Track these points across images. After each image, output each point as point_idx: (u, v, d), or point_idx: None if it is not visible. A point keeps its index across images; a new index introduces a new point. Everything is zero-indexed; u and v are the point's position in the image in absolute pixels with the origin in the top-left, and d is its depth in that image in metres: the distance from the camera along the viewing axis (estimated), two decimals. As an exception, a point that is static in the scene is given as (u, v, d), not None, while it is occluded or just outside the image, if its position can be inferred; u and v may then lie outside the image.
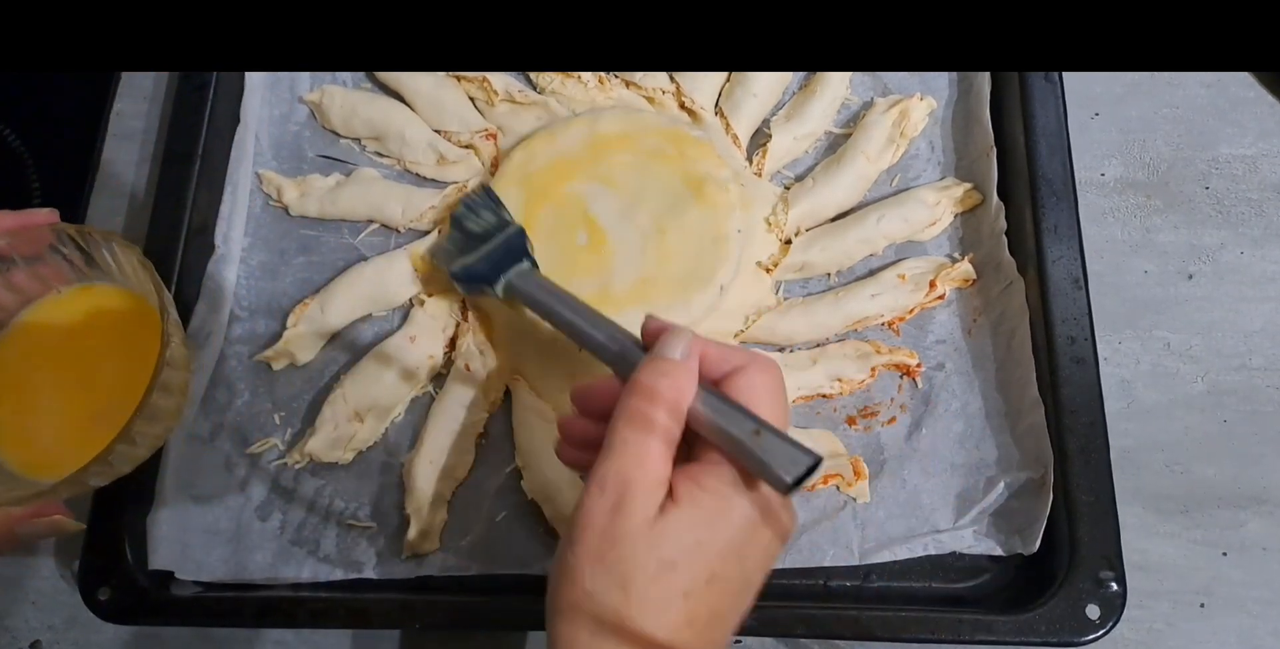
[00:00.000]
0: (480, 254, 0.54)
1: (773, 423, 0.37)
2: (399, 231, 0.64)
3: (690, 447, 0.39)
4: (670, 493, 0.36)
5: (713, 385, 0.39)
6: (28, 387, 0.40)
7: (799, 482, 0.35)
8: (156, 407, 0.37)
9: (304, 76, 0.68)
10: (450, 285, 0.57)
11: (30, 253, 0.40)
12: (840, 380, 0.57)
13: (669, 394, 0.37)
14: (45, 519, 0.40)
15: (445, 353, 0.60)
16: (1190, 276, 0.62)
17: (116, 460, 0.36)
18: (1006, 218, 0.58)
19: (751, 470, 0.36)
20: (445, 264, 0.56)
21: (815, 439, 0.56)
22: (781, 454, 0.36)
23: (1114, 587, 0.49)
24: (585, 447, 0.41)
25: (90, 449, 0.38)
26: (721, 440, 0.37)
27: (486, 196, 0.57)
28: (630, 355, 0.41)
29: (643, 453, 0.36)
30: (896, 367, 0.58)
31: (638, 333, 0.43)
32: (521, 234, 0.54)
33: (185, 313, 0.59)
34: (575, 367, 0.58)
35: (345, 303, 0.60)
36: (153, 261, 0.42)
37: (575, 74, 0.65)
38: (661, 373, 0.37)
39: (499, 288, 0.51)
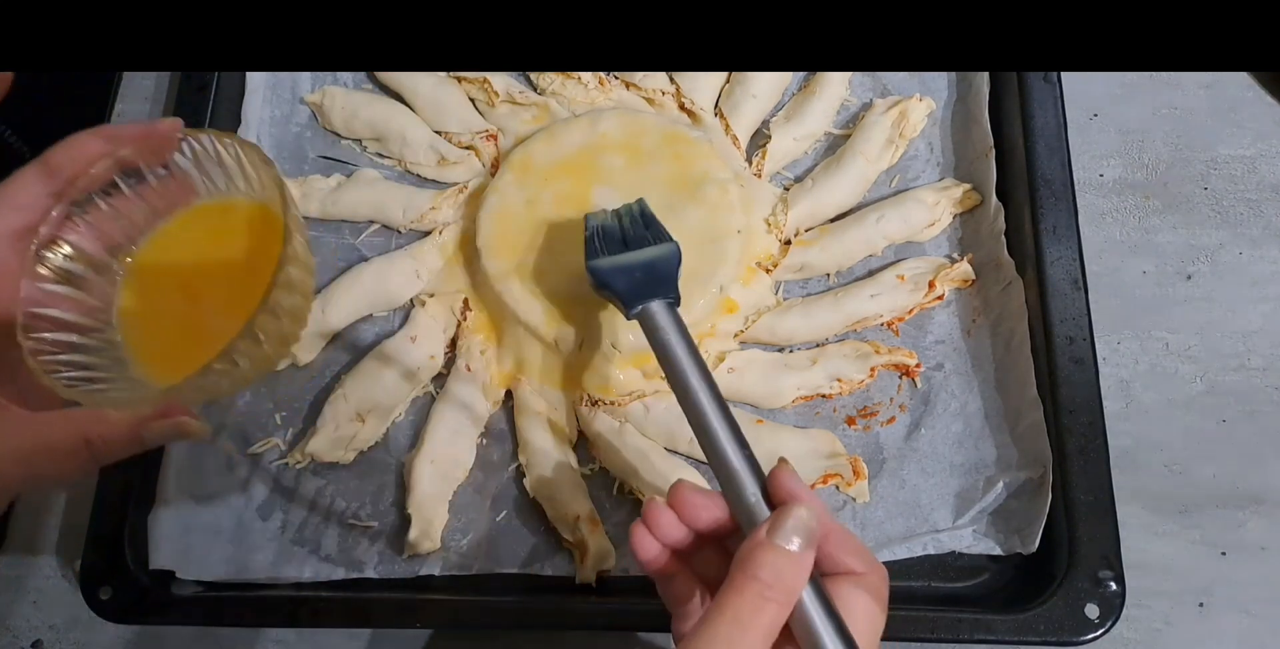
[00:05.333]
0: (629, 262, 0.49)
1: (866, 637, 0.35)
2: (400, 232, 0.64)
3: None
4: None
5: (821, 575, 0.37)
6: (162, 300, 0.40)
7: None
8: (279, 303, 0.36)
9: (305, 77, 0.68)
10: (450, 287, 0.57)
11: (156, 162, 0.40)
12: (840, 380, 0.57)
13: (784, 597, 0.35)
14: (170, 421, 0.39)
15: (446, 353, 0.60)
16: (1189, 277, 0.62)
17: (241, 358, 0.36)
18: (1005, 218, 0.58)
19: None
20: (589, 254, 0.50)
21: (815, 439, 0.56)
22: None
23: (1113, 586, 0.49)
24: (661, 536, 0.39)
25: (213, 351, 0.37)
26: (807, 646, 0.35)
27: (645, 208, 0.53)
28: (745, 492, 0.38)
29: (745, 643, 0.34)
30: (896, 367, 0.58)
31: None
32: (677, 257, 0.49)
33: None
34: (576, 367, 0.58)
35: (346, 303, 0.60)
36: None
37: (575, 75, 0.65)
38: (781, 570, 0.35)
39: (634, 311, 0.45)
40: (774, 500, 0.38)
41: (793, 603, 0.35)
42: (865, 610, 0.36)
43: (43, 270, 0.37)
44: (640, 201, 0.55)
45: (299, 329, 0.41)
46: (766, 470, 0.39)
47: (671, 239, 0.51)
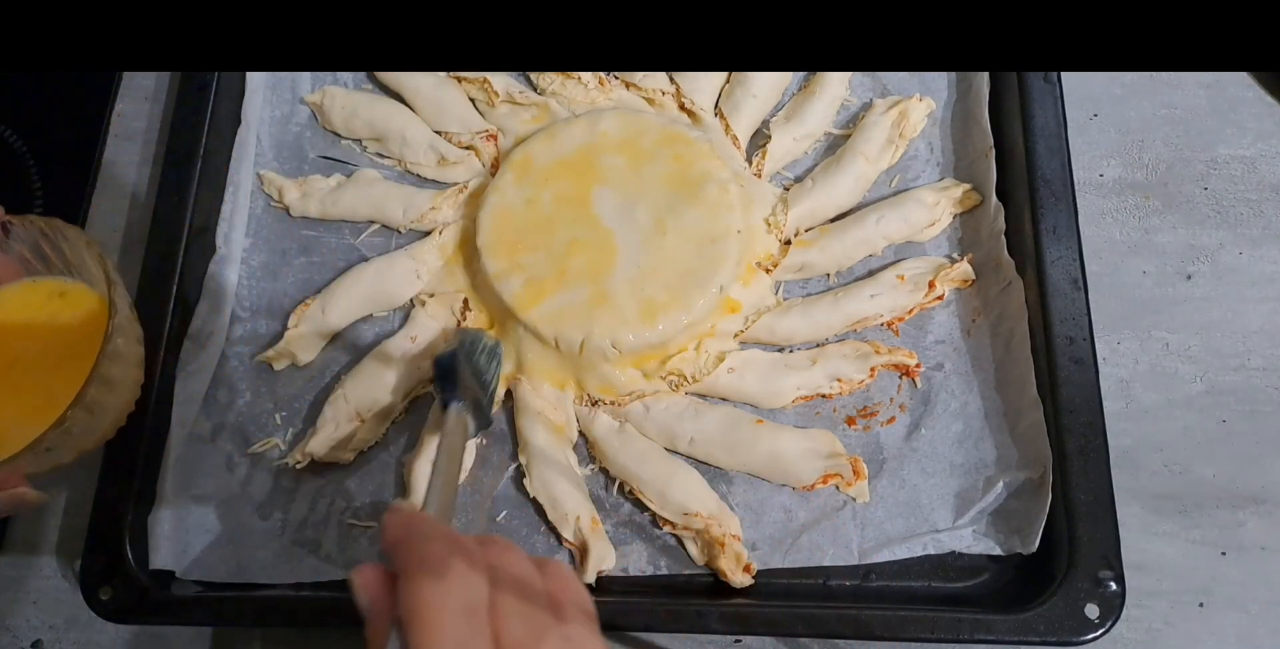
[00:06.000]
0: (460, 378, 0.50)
1: None
2: (400, 232, 0.64)
3: None
4: None
5: None
6: None
7: None
8: (109, 374, 0.38)
9: (305, 77, 0.68)
10: (450, 287, 0.57)
11: None
12: (840, 380, 0.57)
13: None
14: (6, 493, 0.39)
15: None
16: (1189, 277, 0.62)
17: (75, 429, 0.37)
18: (1005, 218, 0.58)
19: None
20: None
21: (815, 439, 0.56)
22: None
23: (1113, 586, 0.49)
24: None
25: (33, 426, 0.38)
26: None
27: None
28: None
29: None
30: (896, 367, 0.58)
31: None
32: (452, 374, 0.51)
33: (187, 314, 0.59)
34: (577, 367, 0.58)
35: (346, 303, 0.60)
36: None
37: (575, 75, 0.65)
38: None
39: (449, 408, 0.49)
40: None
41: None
42: None
43: None
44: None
45: (133, 398, 0.43)
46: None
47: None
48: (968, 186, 0.60)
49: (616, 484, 0.57)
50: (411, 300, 0.62)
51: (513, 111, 0.66)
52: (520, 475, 0.57)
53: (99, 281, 0.40)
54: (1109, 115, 0.66)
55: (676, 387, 0.58)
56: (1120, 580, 0.49)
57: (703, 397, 0.58)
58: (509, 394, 0.59)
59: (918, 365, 0.57)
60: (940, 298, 0.59)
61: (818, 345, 0.59)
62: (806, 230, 0.61)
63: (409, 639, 0.31)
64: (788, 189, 0.63)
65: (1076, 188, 0.57)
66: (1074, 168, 0.58)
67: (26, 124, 0.70)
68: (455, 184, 0.64)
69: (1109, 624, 0.49)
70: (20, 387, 0.41)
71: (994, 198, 0.59)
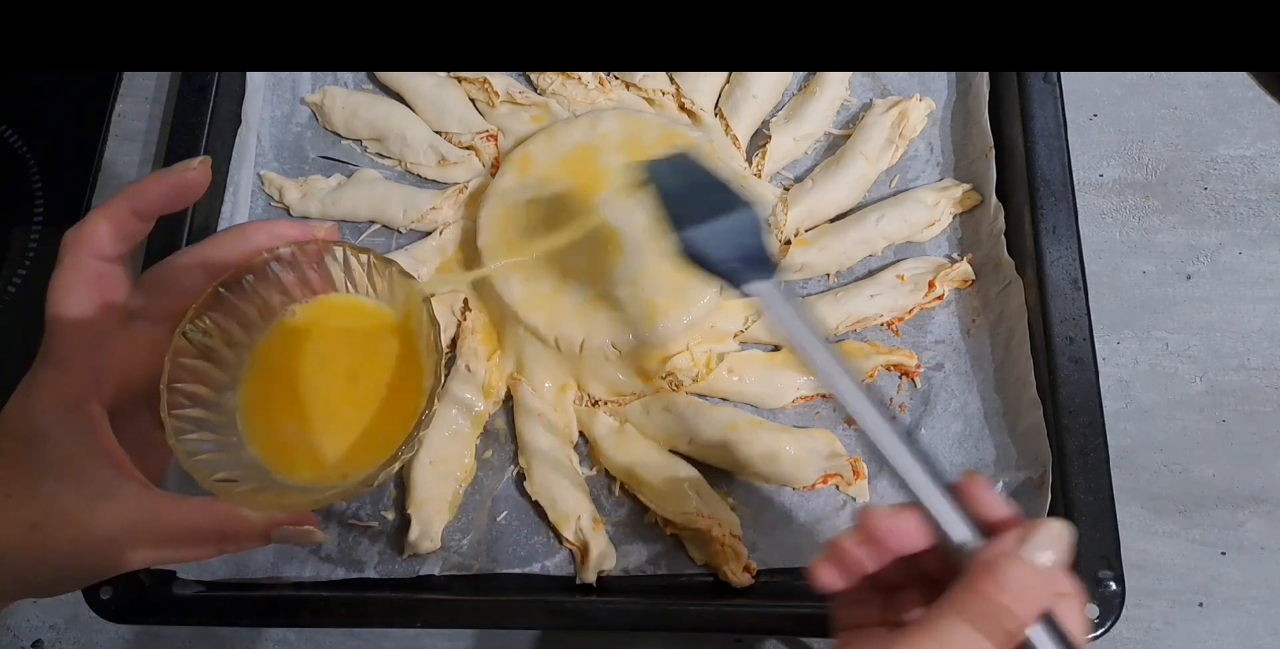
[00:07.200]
0: (716, 230, 0.41)
1: None
2: (400, 232, 0.64)
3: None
4: None
5: None
6: (283, 388, 0.41)
7: None
8: (420, 436, 0.38)
9: (305, 77, 0.68)
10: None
11: (310, 262, 0.41)
12: (840, 380, 0.57)
13: (1028, 611, 0.32)
14: (300, 528, 0.39)
15: (446, 353, 0.60)
16: (1189, 277, 0.62)
17: (379, 477, 0.37)
18: (1005, 219, 0.58)
19: None
20: (667, 226, 0.43)
21: (815, 439, 0.56)
22: None
23: (1112, 586, 0.49)
24: (851, 572, 0.36)
25: (345, 460, 0.38)
26: None
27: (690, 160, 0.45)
28: (935, 499, 0.34)
29: None
30: (895, 367, 0.58)
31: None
32: (757, 220, 0.42)
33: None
34: (577, 367, 0.58)
35: (346, 303, 0.60)
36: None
37: (575, 75, 0.65)
38: (1029, 584, 0.32)
39: (747, 287, 0.40)
40: (980, 510, 0.35)
41: (1032, 621, 0.32)
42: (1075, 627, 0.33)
43: (183, 344, 0.38)
44: (685, 154, 0.46)
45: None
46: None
47: (746, 201, 0.43)
48: (968, 186, 0.60)
49: (617, 484, 0.57)
50: (412, 300, 0.62)
51: (513, 111, 0.66)
52: (520, 476, 0.57)
53: (419, 326, 0.41)
54: (1109, 115, 0.66)
55: (676, 387, 0.58)
56: (1120, 580, 0.49)
57: (703, 397, 0.58)
58: (509, 394, 0.59)
59: (918, 365, 0.57)
60: (940, 298, 0.59)
61: (818, 345, 0.59)
62: (806, 230, 0.61)
63: None
64: (788, 189, 0.63)
65: (1076, 188, 0.57)
66: (1074, 168, 0.58)
67: (26, 124, 0.70)
68: (455, 184, 0.64)
69: (1109, 624, 0.49)
70: (364, 402, 0.40)
71: (994, 198, 0.59)
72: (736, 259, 0.40)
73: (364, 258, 0.40)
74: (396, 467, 0.38)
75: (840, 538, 0.36)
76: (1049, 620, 0.32)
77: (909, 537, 0.35)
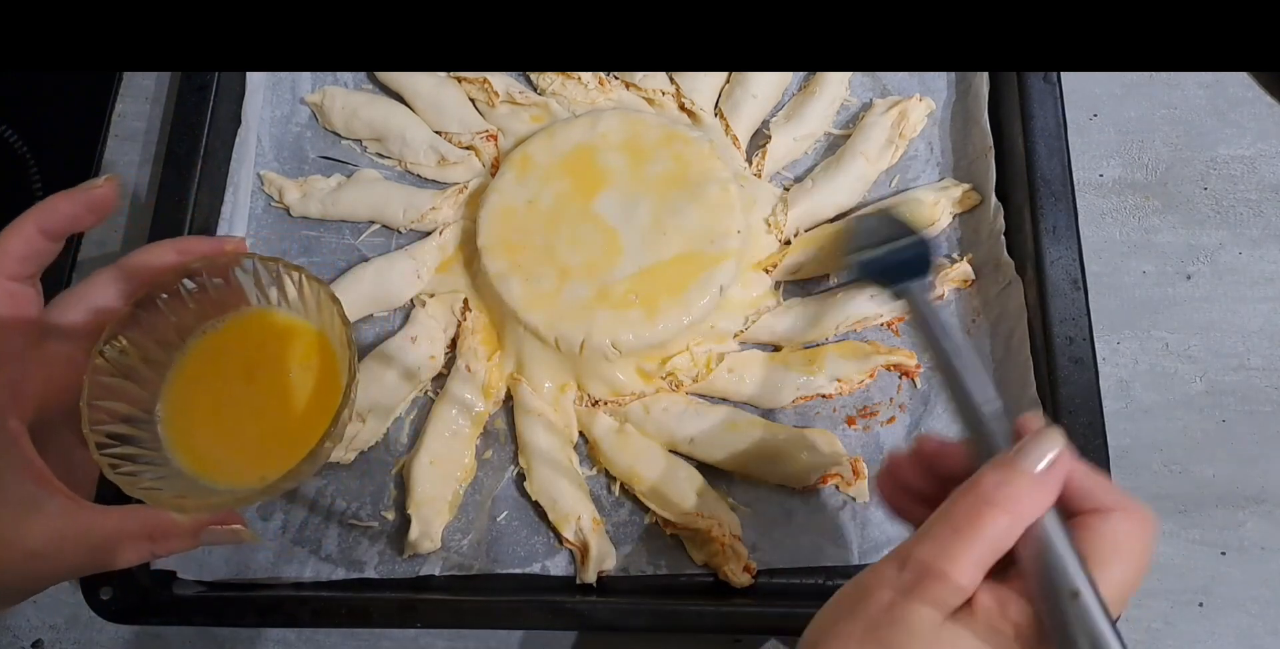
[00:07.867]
0: (884, 251, 0.50)
1: (1112, 588, 0.34)
2: (400, 232, 0.64)
3: (1007, 562, 0.35)
4: (970, 602, 0.33)
5: (1069, 517, 0.35)
6: (205, 400, 0.42)
7: None
8: (340, 430, 0.39)
9: (305, 77, 0.68)
10: (450, 287, 0.57)
11: (218, 276, 0.41)
12: (839, 381, 0.57)
13: (1010, 507, 0.33)
14: (228, 528, 0.40)
15: (446, 353, 0.60)
16: (1189, 277, 0.62)
17: (301, 473, 0.38)
18: (1005, 218, 0.58)
19: (1050, 631, 0.33)
20: (850, 252, 0.52)
21: (815, 439, 0.56)
22: (1084, 632, 0.32)
23: (1112, 586, 0.49)
24: (904, 489, 0.40)
25: (267, 462, 0.39)
26: (1035, 583, 0.33)
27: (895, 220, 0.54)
28: (991, 436, 0.37)
29: (959, 553, 0.33)
30: (895, 367, 0.58)
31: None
32: (926, 247, 0.51)
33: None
34: (577, 367, 0.58)
35: (347, 303, 0.59)
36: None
37: (575, 75, 0.65)
38: (1005, 482, 0.34)
39: (894, 288, 0.48)
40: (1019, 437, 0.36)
41: (1022, 524, 0.33)
42: (1118, 545, 0.34)
43: (101, 363, 0.38)
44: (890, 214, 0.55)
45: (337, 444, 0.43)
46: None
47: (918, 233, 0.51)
48: (967, 186, 0.60)
49: (617, 484, 0.57)
50: (412, 300, 0.62)
51: (513, 111, 0.66)
52: (521, 476, 0.57)
53: (331, 329, 0.42)
54: (1109, 115, 0.66)
55: (676, 387, 0.58)
56: (1120, 580, 0.49)
57: (703, 397, 0.58)
58: (509, 394, 0.59)
59: (917, 365, 0.57)
60: (940, 298, 0.59)
61: (817, 345, 0.59)
62: (806, 230, 0.61)
63: None
64: (788, 189, 0.63)
65: (1076, 188, 0.57)
66: (1074, 168, 0.58)
67: (26, 124, 0.70)
68: (455, 184, 0.64)
69: (1109, 624, 0.49)
70: (285, 404, 0.42)
71: (994, 198, 0.59)
72: (897, 264, 0.49)
73: (273, 267, 0.41)
74: (320, 462, 0.39)
75: (895, 454, 0.41)
76: (1061, 532, 0.33)
77: (956, 460, 0.38)
